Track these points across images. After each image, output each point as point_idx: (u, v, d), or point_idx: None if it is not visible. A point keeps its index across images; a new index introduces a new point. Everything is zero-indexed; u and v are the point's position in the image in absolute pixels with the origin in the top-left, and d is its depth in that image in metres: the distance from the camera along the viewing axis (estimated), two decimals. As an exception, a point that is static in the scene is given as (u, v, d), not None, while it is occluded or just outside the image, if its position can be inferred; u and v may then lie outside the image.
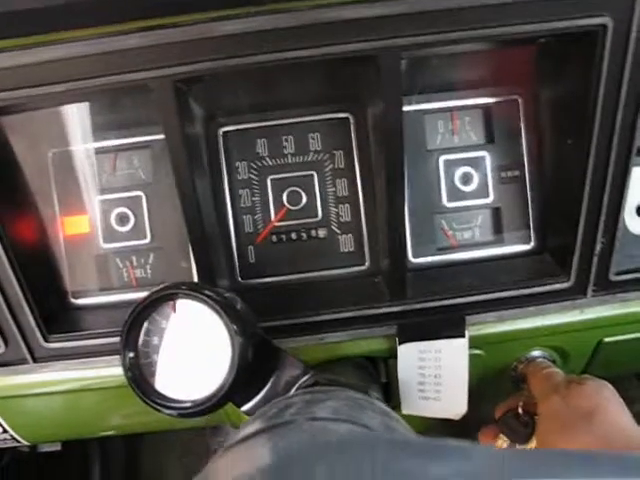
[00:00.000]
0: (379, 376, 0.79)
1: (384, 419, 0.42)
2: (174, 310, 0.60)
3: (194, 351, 0.60)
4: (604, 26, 0.61)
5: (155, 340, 0.60)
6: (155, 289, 0.59)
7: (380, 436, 0.36)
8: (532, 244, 0.79)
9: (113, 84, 0.62)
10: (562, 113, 0.72)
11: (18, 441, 0.87)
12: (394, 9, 0.60)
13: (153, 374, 0.60)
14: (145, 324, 0.60)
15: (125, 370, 0.58)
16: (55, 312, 0.76)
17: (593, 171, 0.68)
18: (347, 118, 0.77)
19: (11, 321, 0.72)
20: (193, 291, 0.58)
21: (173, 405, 0.58)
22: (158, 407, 0.58)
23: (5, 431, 0.84)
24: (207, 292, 0.59)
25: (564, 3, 0.61)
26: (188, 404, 0.58)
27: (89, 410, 0.83)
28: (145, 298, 0.58)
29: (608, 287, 0.75)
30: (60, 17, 0.61)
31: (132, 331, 0.59)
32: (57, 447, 1.03)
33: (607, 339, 0.80)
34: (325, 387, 0.59)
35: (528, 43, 0.70)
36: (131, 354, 0.58)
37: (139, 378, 0.59)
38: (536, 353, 0.80)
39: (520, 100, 0.77)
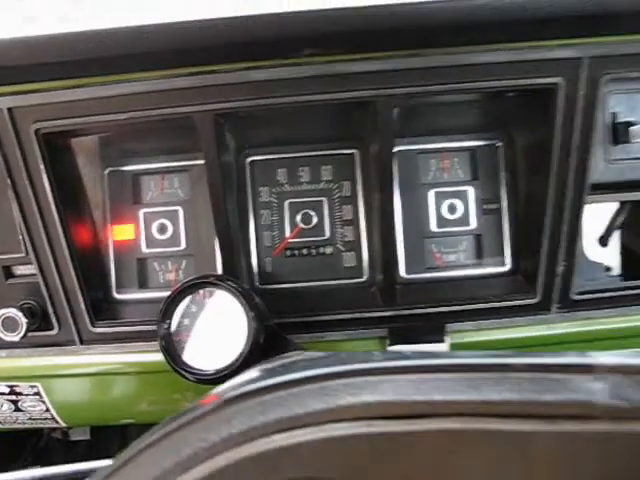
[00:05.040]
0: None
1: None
2: (204, 297, 0.74)
3: (217, 331, 0.74)
4: (556, 84, 0.76)
5: (186, 321, 0.74)
6: (190, 278, 0.73)
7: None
8: (507, 267, 0.92)
9: (165, 115, 0.79)
10: (532, 156, 0.87)
11: (56, 421, 1.00)
12: (387, 65, 0.76)
13: (182, 347, 0.73)
14: (179, 306, 0.74)
15: (160, 339, 0.72)
16: (101, 303, 0.91)
17: (552, 205, 0.82)
18: (353, 154, 0.93)
19: (66, 306, 0.87)
20: (222, 282, 0.73)
21: (195, 372, 0.72)
22: (183, 372, 0.72)
23: (47, 410, 0.97)
24: (232, 284, 0.73)
25: (525, 65, 0.77)
26: (211, 371, 0.71)
27: (120, 394, 0.95)
28: (182, 284, 0.73)
29: (570, 305, 0.87)
30: (126, 62, 0.78)
31: (168, 309, 0.73)
32: (86, 436, 1.14)
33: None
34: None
35: (498, 96, 0.85)
36: (166, 325, 0.72)
37: (170, 348, 0.72)
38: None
39: (500, 144, 0.92)
